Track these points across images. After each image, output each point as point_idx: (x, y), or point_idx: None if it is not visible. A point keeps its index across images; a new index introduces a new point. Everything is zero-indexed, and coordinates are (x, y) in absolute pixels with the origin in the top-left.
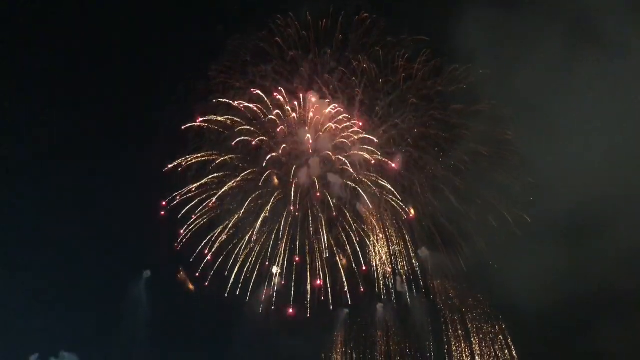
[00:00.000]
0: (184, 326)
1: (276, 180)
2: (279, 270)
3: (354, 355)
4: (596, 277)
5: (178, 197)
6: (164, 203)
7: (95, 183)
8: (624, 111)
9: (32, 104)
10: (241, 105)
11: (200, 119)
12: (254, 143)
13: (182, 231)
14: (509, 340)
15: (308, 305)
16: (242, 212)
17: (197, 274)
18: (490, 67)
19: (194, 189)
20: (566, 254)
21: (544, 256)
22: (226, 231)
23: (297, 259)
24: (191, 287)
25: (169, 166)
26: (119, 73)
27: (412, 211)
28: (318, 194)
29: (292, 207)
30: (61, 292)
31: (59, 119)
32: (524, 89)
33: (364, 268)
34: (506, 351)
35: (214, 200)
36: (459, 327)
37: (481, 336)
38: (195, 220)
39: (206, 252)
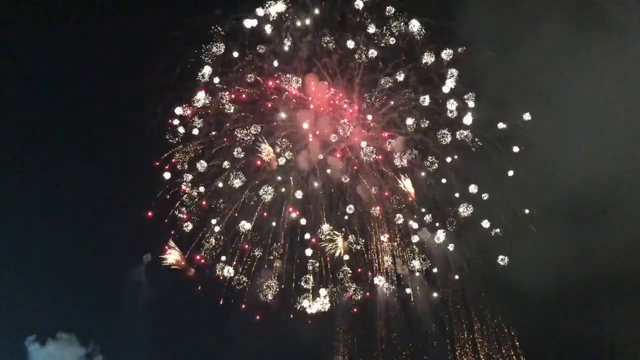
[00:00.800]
0: (184, 309)
1: (275, 164)
2: (278, 255)
3: (356, 341)
4: (602, 264)
5: (178, 187)
6: (151, 203)
7: (94, 170)
8: (631, 94)
9: (30, 98)
10: (238, 89)
11: (196, 105)
12: (251, 128)
13: (178, 224)
14: (511, 327)
15: (310, 295)
16: (241, 199)
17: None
18: (494, 49)
19: (189, 178)
20: (571, 239)
21: (549, 241)
22: (224, 220)
23: (297, 256)
24: (192, 271)
25: (164, 155)
26: (113, 59)
27: (413, 194)
28: (318, 178)
29: (291, 192)
30: (59, 273)
31: (58, 109)
32: (528, 72)
33: (365, 253)
34: (509, 342)
35: (211, 189)
36: (460, 314)
37: (484, 326)
38: (192, 210)
39: (204, 241)
